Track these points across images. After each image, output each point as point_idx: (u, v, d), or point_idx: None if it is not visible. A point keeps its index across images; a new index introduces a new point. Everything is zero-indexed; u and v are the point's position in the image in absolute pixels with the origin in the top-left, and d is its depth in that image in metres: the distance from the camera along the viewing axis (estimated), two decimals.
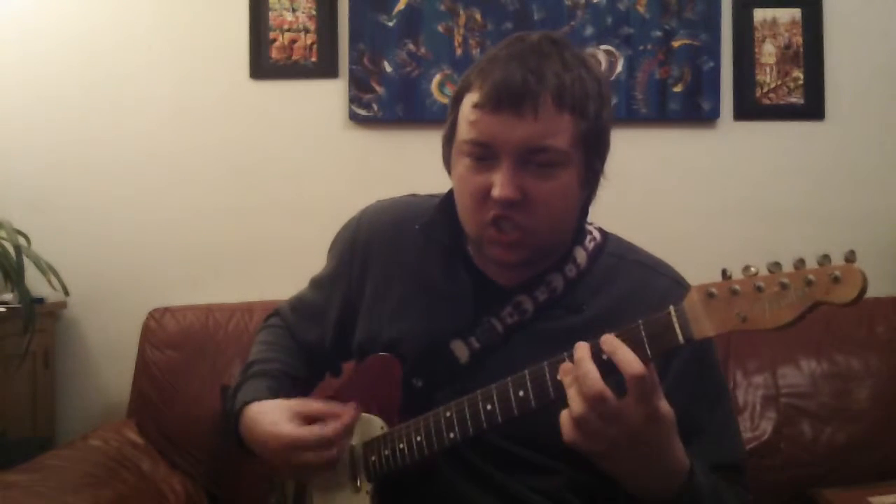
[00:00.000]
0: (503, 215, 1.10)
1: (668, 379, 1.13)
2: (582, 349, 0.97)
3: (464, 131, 1.12)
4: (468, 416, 1.08)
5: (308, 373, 1.42)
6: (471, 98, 1.11)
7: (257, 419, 1.25)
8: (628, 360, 0.94)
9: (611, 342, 0.96)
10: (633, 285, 1.18)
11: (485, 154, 1.10)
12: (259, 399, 1.28)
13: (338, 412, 1.21)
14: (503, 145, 1.08)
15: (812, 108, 2.38)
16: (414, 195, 1.36)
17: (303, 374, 1.40)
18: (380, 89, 2.36)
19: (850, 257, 0.83)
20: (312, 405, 1.24)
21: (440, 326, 1.20)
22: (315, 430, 1.19)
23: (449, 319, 1.20)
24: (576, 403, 0.95)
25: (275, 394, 1.30)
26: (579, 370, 0.96)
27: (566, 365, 0.98)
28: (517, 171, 1.08)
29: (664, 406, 0.97)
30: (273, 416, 1.23)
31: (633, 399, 0.94)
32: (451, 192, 1.24)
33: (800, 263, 0.85)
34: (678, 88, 2.36)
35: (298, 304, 1.45)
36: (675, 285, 1.17)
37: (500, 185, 1.08)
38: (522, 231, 1.11)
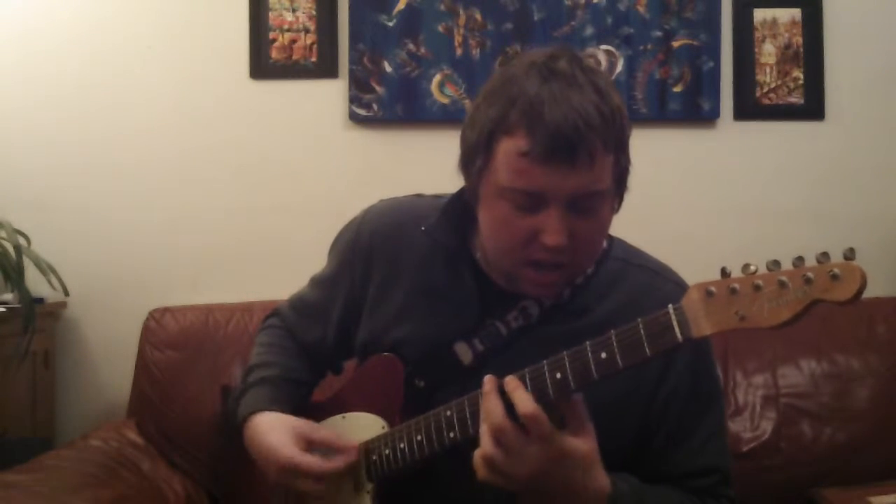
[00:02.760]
0: (548, 259, 1.08)
1: (669, 380, 1.14)
2: (489, 383, 1.02)
3: (507, 178, 1.06)
4: (468, 416, 1.08)
5: (308, 374, 1.41)
6: (514, 144, 1.04)
7: (261, 434, 1.26)
8: (522, 400, 0.97)
9: (511, 383, 1.00)
10: (637, 289, 1.17)
11: (532, 203, 1.06)
12: (263, 410, 1.29)
13: (339, 447, 1.22)
14: (555, 194, 1.05)
15: (812, 108, 2.38)
16: (419, 195, 1.34)
17: (303, 376, 1.40)
18: (380, 89, 2.36)
19: (849, 255, 0.82)
20: (317, 434, 1.24)
21: (444, 328, 1.20)
22: (314, 463, 1.20)
23: (453, 322, 1.20)
24: (484, 440, 1.00)
25: (276, 403, 1.30)
26: (485, 404, 1.00)
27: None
28: (565, 216, 1.06)
29: (572, 445, 0.98)
30: (277, 434, 1.23)
31: (532, 438, 0.97)
32: (457, 196, 1.23)
33: (798, 261, 0.85)
34: (678, 88, 2.36)
35: (299, 304, 1.44)
36: (680, 290, 1.14)
37: (552, 232, 1.05)
38: (562, 269, 1.10)
